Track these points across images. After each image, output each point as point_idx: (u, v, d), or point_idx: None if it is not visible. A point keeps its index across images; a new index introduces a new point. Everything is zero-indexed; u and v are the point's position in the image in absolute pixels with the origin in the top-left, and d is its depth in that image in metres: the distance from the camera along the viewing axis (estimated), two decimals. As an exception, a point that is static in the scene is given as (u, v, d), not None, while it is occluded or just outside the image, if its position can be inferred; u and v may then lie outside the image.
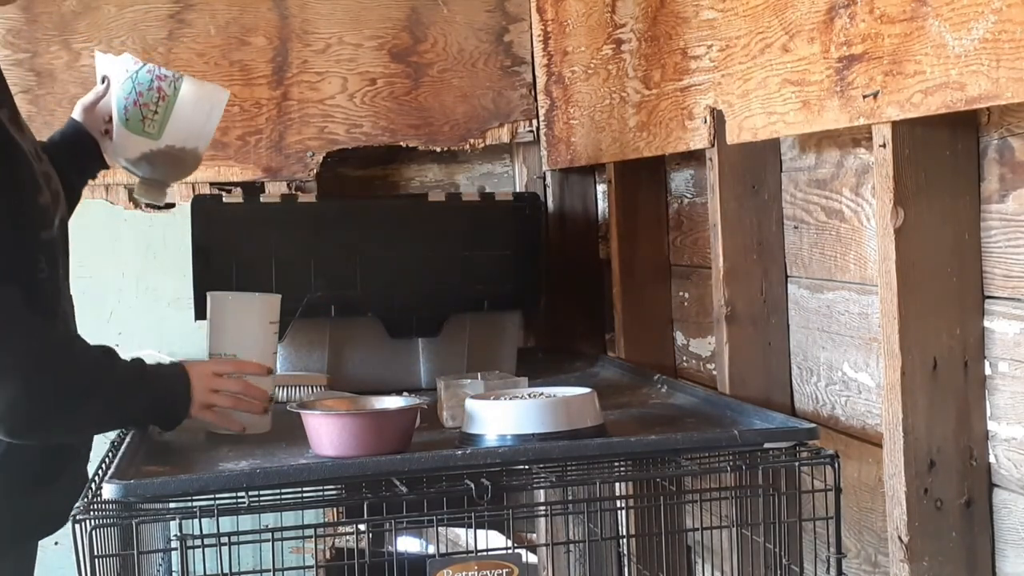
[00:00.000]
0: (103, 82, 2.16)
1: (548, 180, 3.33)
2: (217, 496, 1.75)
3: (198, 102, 2.15)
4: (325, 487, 1.94)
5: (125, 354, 1.94)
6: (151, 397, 1.93)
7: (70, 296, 2.05)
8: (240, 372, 2.03)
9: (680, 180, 2.78)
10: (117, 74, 2.13)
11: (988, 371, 1.77)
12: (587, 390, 2.01)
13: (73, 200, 2.16)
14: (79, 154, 2.16)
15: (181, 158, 2.17)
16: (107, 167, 2.23)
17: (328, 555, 3.07)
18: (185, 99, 2.12)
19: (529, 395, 2.00)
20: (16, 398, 1.76)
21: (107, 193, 3.06)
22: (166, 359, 2.97)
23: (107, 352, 1.90)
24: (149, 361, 1.96)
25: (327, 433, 1.89)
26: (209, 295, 2.13)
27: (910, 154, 1.74)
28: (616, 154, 2.79)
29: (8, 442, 1.84)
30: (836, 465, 1.83)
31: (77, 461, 2.03)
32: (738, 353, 2.30)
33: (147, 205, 2.29)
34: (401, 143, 3.29)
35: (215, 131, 2.22)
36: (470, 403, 1.98)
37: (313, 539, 2.69)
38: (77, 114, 2.18)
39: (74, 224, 2.20)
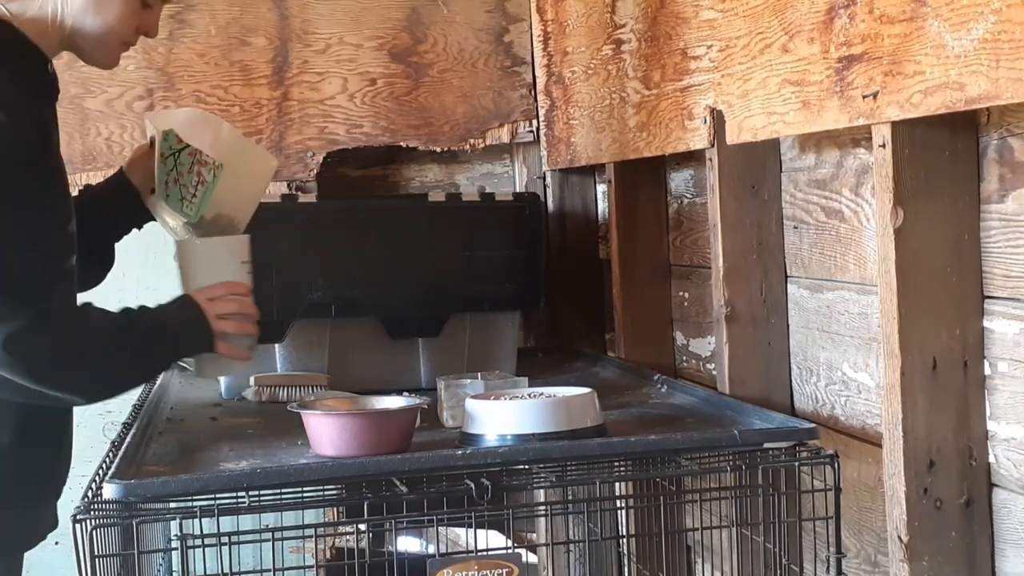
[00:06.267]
0: (151, 144, 2.12)
1: (548, 180, 3.34)
2: (217, 496, 1.75)
3: (239, 187, 2.11)
4: (325, 487, 1.94)
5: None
6: (173, 334, 1.96)
7: None
8: (230, 292, 2.02)
9: (680, 180, 2.78)
10: (160, 146, 2.08)
11: (988, 371, 1.78)
12: (587, 390, 2.01)
13: (107, 255, 2.17)
14: (122, 204, 2.16)
15: (221, 228, 2.13)
16: (152, 219, 2.20)
17: (328, 555, 3.07)
18: (224, 186, 2.08)
19: (529, 395, 2.01)
20: (36, 346, 1.77)
21: (107, 193, 3.06)
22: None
23: (122, 311, 1.93)
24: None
25: (327, 433, 1.89)
26: (177, 243, 2.10)
27: (910, 154, 1.74)
28: (616, 154, 2.79)
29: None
30: (836, 465, 1.84)
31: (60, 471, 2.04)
32: (738, 353, 2.30)
33: None
34: (401, 143, 3.29)
35: (258, 201, 2.17)
36: (470, 403, 1.98)
37: (313, 539, 2.68)
38: (127, 166, 2.17)
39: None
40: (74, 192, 2.03)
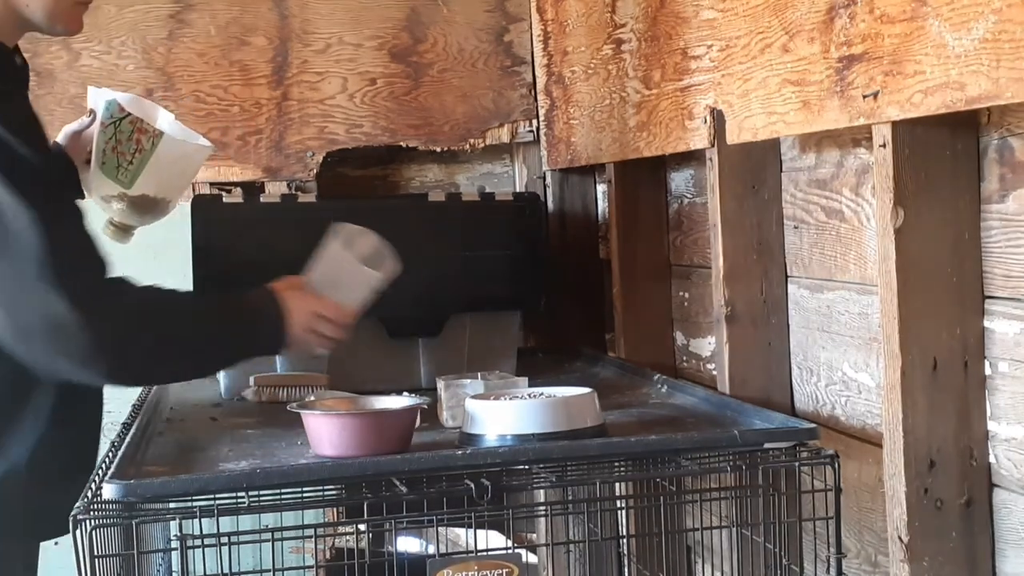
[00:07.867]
0: (90, 115, 2.16)
1: (548, 180, 3.33)
2: (217, 496, 1.74)
3: (174, 161, 2.15)
4: (325, 487, 1.94)
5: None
6: (241, 333, 2.00)
7: None
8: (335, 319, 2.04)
9: (680, 180, 2.78)
10: (102, 115, 2.12)
11: (988, 371, 1.77)
12: (587, 390, 2.01)
13: None
14: None
15: (151, 206, 2.17)
16: (83, 196, 2.19)
17: (328, 555, 3.07)
18: (161, 156, 2.12)
19: (529, 395, 2.00)
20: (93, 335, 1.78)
21: (107, 193, 3.06)
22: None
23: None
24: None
25: (327, 433, 1.89)
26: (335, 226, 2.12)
27: (910, 154, 1.74)
28: (616, 154, 2.79)
29: (39, 437, 1.88)
30: (836, 465, 1.83)
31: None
32: (738, 353, 2.30)
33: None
34: (401, 143, 3.29)
35: (189, 185, 2.22)
36: (470, 403, 1.98)
37: (313, 539, 2.68)
38: (62, 138, 2.19)
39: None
40: None
